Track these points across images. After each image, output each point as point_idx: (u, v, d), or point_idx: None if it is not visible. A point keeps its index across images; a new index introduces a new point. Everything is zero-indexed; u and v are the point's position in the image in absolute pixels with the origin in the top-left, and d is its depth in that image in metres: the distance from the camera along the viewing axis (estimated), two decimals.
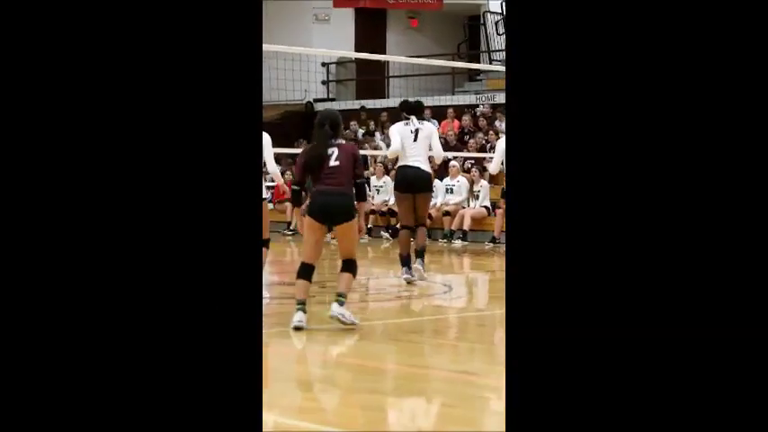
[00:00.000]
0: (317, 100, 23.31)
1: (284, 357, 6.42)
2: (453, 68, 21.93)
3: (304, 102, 22.78)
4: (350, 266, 7.33)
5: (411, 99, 11.34)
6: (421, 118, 10.69)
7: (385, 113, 21.28)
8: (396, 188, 10.57)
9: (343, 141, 7.43)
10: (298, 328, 7.04)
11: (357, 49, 22.90)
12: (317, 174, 7.22)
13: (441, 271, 12.60)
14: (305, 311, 7.15)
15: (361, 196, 7.41)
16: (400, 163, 10.42)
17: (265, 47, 10.69)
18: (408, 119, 10.47)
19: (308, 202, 7.52)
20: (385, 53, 23.20)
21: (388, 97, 23.30)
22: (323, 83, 24.07)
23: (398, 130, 10.43)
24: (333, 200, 7.20)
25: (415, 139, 10.31)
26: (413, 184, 10.22)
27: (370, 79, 24.38)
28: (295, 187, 7.52)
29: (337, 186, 7.20)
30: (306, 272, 7.28)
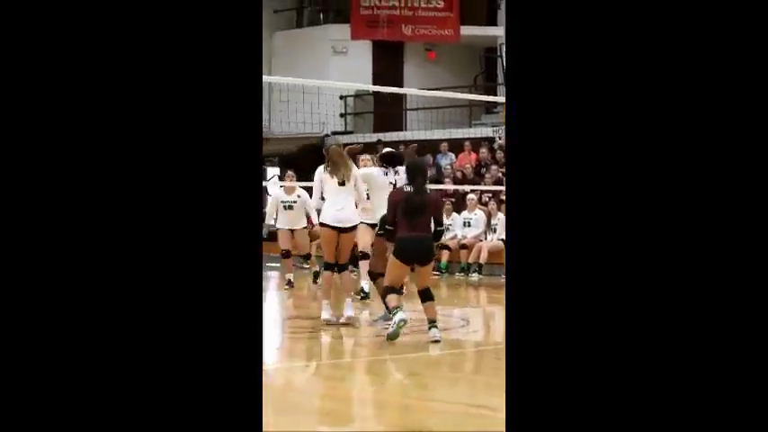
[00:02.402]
0: (334, 132, 23.36)
1: (302, 391, 6.42)
2: (470, 101, 21.97)
3: (321, 134, 22.86)
4: (430, 295, 8.19)
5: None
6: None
7: (402, 146, 21.31)
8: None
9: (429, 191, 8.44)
10: (403, 322, 7.98)
11: (375, 82, 22.95)
12: (407, 218, 8.08)
13: (458, 305, 12.58)
14: (402, 311, 8.07)
15: (437, 239, 8.48)
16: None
17: (283, 79, 10.80)
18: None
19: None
20: (402, 86, 23.24)
21: (406, 130, 23.35)
22: (341, 115, 24.14)
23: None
24: (421, 246, 8.13)
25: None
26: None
27: (388, 112, 24.44)
28: (389, 227, 8.38)
29: (425, 233, 8.20)
30: (392, 290, 8.22)
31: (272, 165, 24.05)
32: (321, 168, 9.37)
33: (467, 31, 24.13)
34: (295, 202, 13.75)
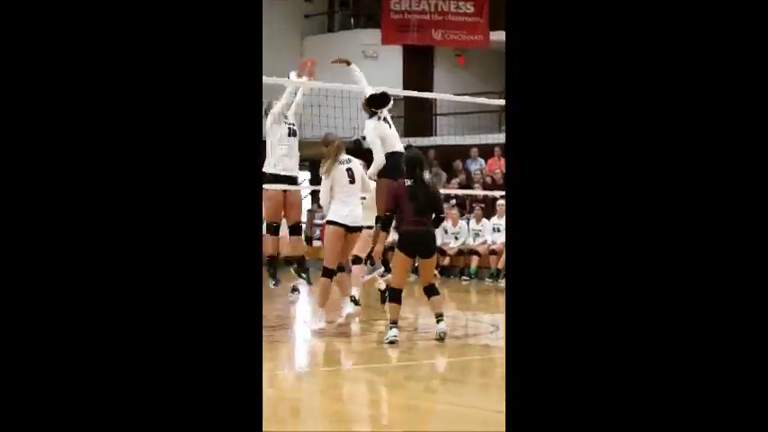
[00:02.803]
0: (365, 137, 23.37)
1: (332, 396, 6.46)
2: (500, 106, 21.94)
3: (353, 139, 22.86)
4: (435, 290, 8.39)
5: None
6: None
7: (433, 151, 21.33)
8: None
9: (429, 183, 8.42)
10: (392, 342, 8.07)
11: (405, 87, 22.96)
12: (409, 212, 8.14)
13: (487, 310, 12.59)
14: (398, 328, 8.21)
15: (437, 225, 8.51)
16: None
17: (313, 83, 10.83)
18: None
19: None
20: (432, 90, 23.25)
21: (436, 135, 23.36)
22: None
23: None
24: (424, 238, 8.27)
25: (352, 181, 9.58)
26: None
27: (418, 117, 24.44)
28: (387, 214, 8.39)
29: (427, 226, 8.29)
30: (397, 296, 8.23)
31: (304, 169, 24.07)
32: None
33: (496, 36, 24.11)
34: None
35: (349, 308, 9.40)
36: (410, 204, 8.23)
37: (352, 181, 9.17)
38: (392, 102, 9.97)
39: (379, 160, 9.34)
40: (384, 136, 9.61)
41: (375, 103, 9.92)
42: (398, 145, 9.80)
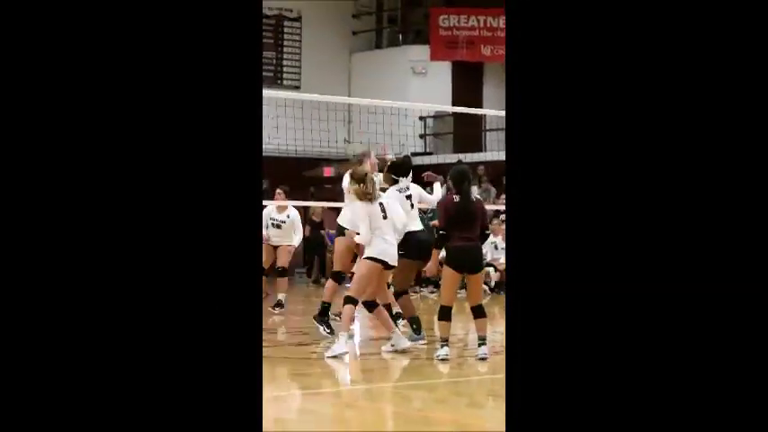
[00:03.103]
0: (414, 154, 23.34)
1: (377, 414, 6.40)
2: None
3: (401, 155, 22.85)
4: (482, 311, 8.28)
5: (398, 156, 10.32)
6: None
7: (482, 167, 21.23)
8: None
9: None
10: (444, 360, 8.11)
11: (454, 102, 22.92)
12: (459, 228, 8.08)
13: None
14: (449, 346, 8.26)
15: (484, 241, 8.47)
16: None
17: (362, 100, 10.81)
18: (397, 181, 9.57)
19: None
20: (481, 106, 23.19)
21: (485, 150, 23.27)
22: (420, 136, 24.13)
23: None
24: (471, 253, 8.18)
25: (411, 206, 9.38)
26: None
27: (467, 132, 24.37)
28: (442, 232, 8.29)
29: (475, 241, 8.24)
30: (446, 314, 8.17)
31: None
32: (361, 203, 8.59)
33: None
34: (284, 221, 12.50)
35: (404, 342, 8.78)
36: (458, 220, 8.15)
37: (385, 217, 8.60)
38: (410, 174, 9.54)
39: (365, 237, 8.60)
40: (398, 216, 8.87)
41: (398, 171, 9.57)
42: (415, 224, 9.34)
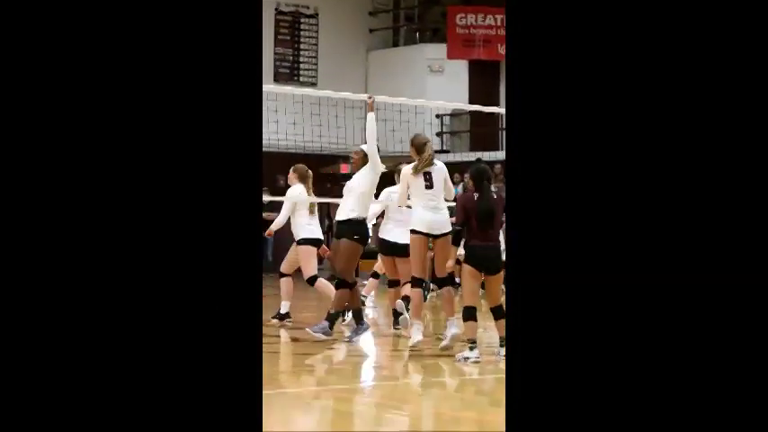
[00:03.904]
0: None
1: (404, 413, 6.35)
2: None
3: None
4: (502, 312, 8.11)
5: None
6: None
7: (499, 165, 21.16)
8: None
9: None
10: (476, 362, 7.92)
11: (471, 101, 22.85)
12: (480, 227, 8.04)
13: None
14: (477, 348, 8.05)
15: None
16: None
17: (379, 98, 10.71)
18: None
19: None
20: (498, 105, 23.11)
21: (502, 149, 23.19)
22: (437, 134, 24.07)
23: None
24: (491, 253, 8.13)
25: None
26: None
27: (484, 131, 24.32)
28: (457, 227, 8.28)
29: (495, 241, 8.19)
30: (471, 314, 8.05)
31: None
32: (409, 168, 8.72)
33: None
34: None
35: (454, 328, 8.55)
36: (478, 219, 8.08)
37: (430, 186, 8.69)
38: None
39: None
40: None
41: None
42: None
